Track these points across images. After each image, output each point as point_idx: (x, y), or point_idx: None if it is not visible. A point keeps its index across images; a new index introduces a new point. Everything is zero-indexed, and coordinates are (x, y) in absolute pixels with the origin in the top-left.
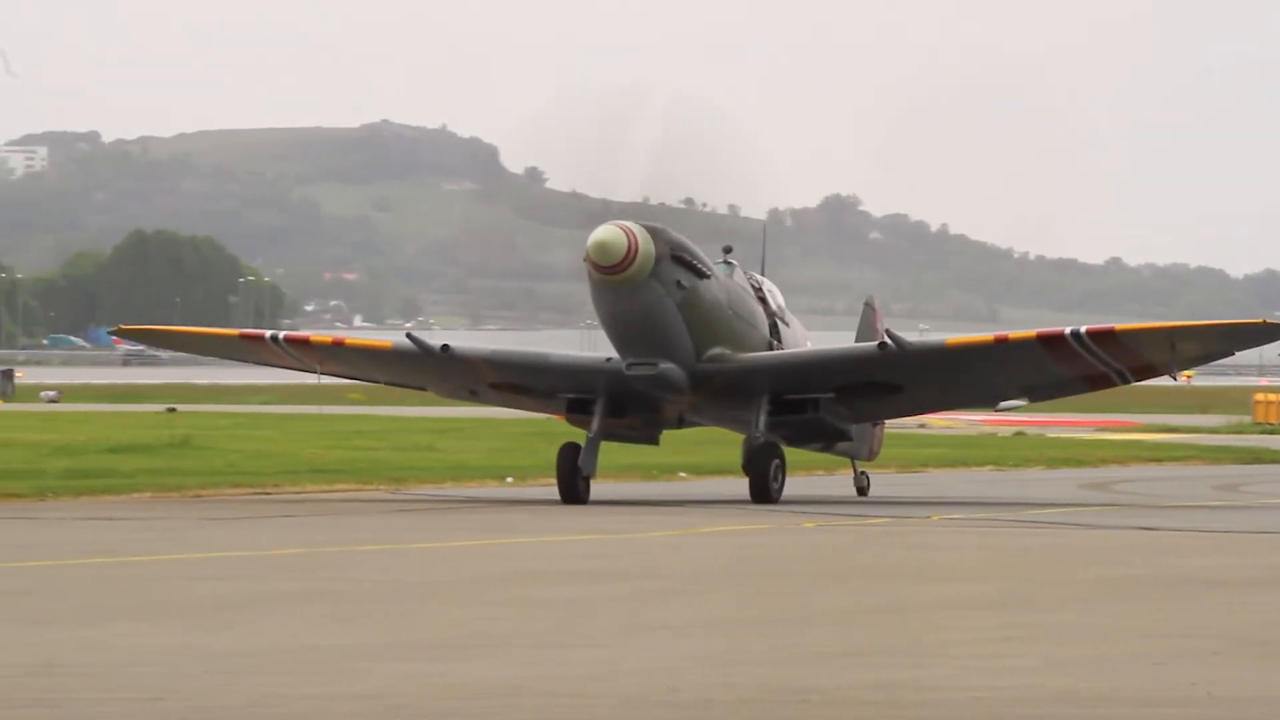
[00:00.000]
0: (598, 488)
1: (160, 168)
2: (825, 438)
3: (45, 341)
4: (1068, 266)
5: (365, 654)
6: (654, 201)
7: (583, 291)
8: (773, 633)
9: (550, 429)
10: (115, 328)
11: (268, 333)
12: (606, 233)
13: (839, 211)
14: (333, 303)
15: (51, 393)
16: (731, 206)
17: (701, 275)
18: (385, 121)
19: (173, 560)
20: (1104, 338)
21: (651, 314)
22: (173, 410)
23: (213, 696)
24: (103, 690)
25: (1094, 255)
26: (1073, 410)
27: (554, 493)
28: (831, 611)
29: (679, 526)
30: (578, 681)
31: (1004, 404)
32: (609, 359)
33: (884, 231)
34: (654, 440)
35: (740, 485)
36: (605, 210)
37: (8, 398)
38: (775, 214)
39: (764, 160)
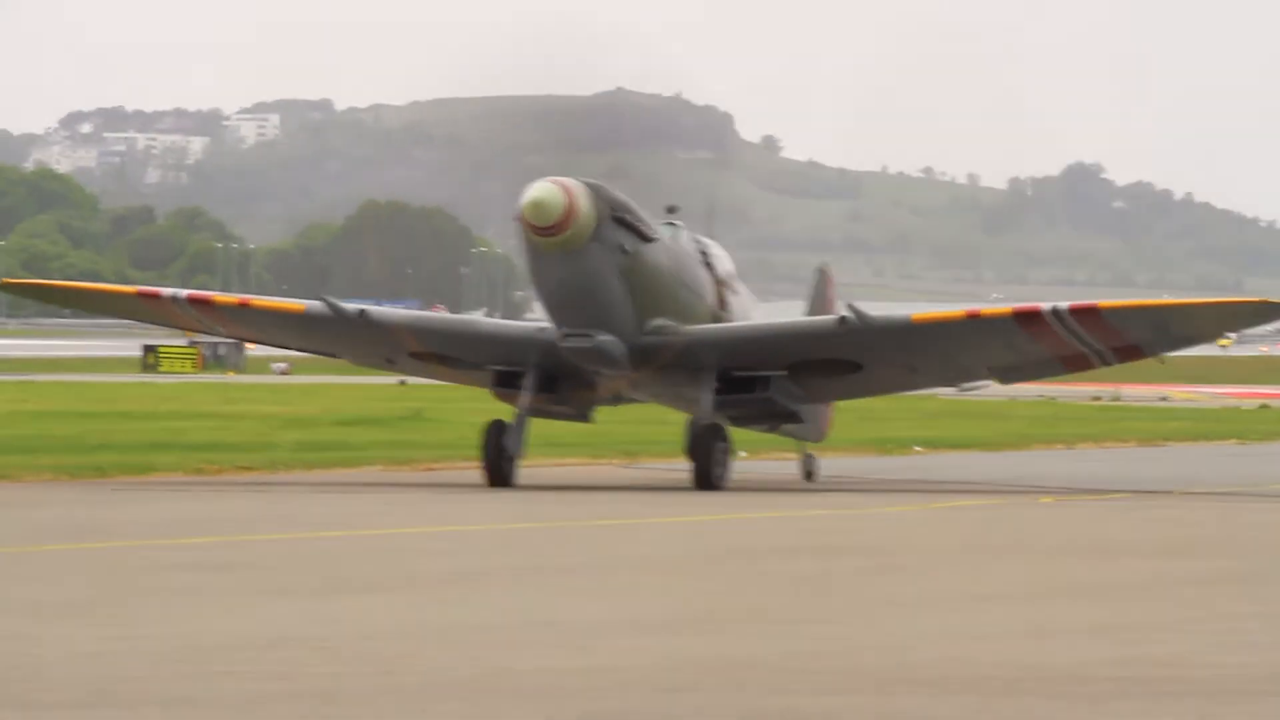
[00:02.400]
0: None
1: (392, 136)
2: (775, 419)
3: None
4: None
5: (596, 628)
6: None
7: (820, 262)
8: (1009, 608)
9: None
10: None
11: (167, 290)
12: (542, 190)
13: (1081, 180)
14: None
15: (282, 365)
16: (970, 175)
17: (645, 239)
18: (619, 90)
19: (405, 534)
20: (1086, 315)
21: (590, 281)
22: (404, 383)
23: (444, 670)
24: (336, 664)
25: None
26: None
27: (791, 468)
28: (1069, 587)
29: (914, 501)
30: (810, 657)
31: (968, 385)
32: (542, 329)
33: (1127, 200)
34: (587, 419)
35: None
36: (841, 179)
37: (239, 369)
38: (1016, 183)
39: (1006, 125)
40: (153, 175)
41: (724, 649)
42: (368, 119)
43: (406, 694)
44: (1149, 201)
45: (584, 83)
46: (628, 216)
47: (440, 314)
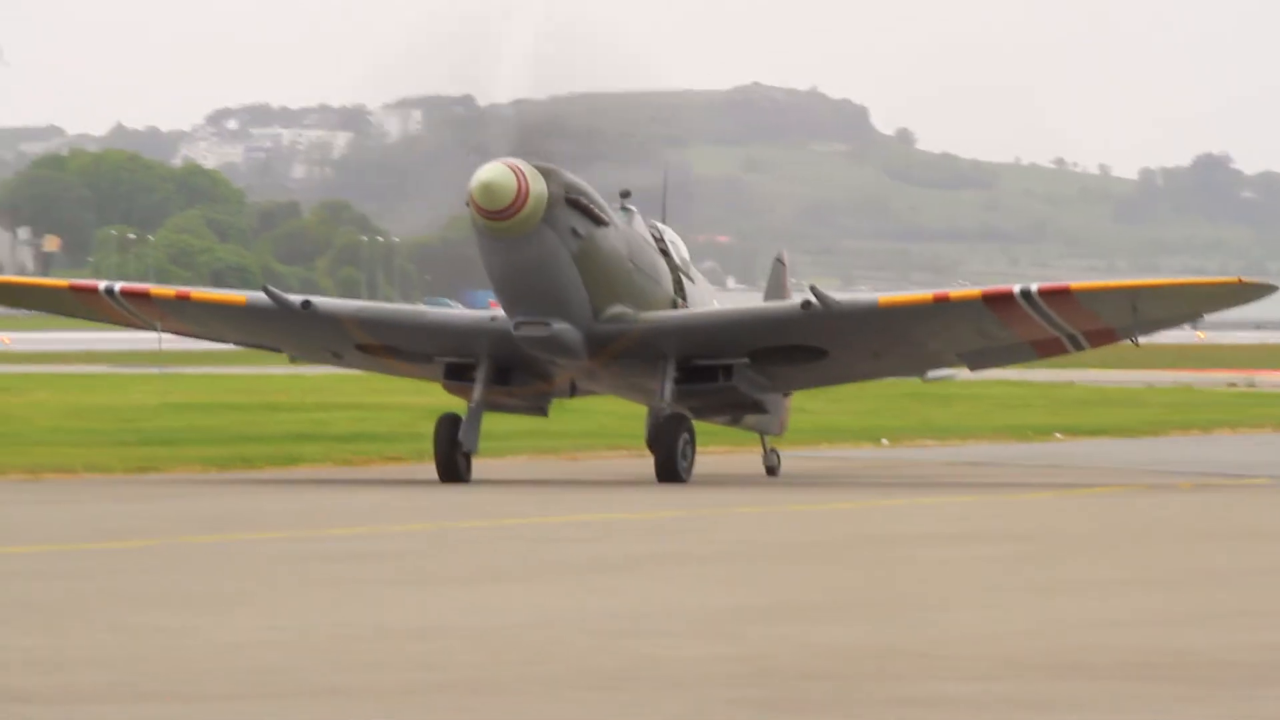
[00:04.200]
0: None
1: (534, 131)
2: (739, 409)
3: (422, 305)
4: None
5: (739, 616)
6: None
7: (957, 251)
8: (1149, 594)
9: (921, 390)
10: None
11: (102, 284)
12: (493, 172)
13: (1210, 170)
14: (706, 264)
15: None
16: (1101, 166)
17: (600, 222)
18: (755, 84)
19: (551, 522)
20: (1057, 297)
21: (543, 266)
22: None
23: (591, 659)
24: (484, 653)
25: None
26: None
27: (930, 454)
28: (1209, 572)
29: (1052, 488)
30: (952, 643)
31: (934, 374)
32: (494, 318)
33: (1256, 189)
34: (542, 411)
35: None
36: (975, 170)
37: None
38: (1146, 173)
39: (1136, 117)
40: (298, 170)
41: (867, 636)
42: (509, 113)
43: (554, 683)
44: (1278, 190)
45: (721, 76)
46: (582, 199)
47: (387, 304)
